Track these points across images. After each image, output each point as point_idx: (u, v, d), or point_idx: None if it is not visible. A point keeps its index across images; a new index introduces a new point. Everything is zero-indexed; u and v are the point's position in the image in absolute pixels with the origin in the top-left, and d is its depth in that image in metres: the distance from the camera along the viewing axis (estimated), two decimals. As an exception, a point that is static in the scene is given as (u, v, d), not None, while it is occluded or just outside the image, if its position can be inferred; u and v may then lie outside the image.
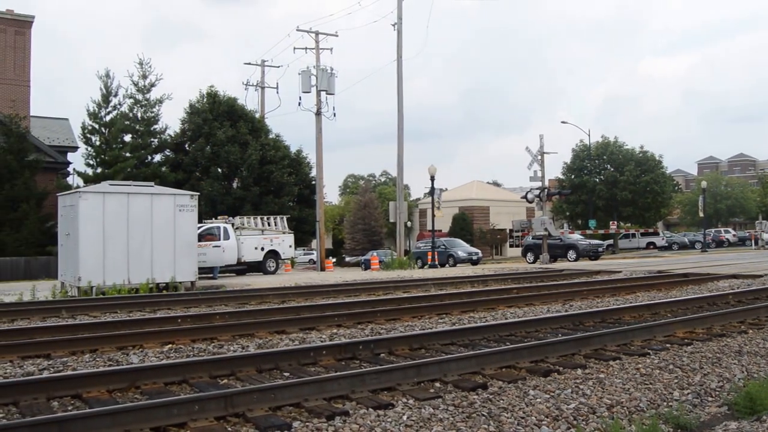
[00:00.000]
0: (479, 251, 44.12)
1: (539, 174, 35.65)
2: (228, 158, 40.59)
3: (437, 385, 6.45)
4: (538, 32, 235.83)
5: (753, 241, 51.91)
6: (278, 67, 47.68)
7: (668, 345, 8.35)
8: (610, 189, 58.34)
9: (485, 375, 6.81)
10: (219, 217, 31.19)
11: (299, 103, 36.69)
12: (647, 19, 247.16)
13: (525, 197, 36.69)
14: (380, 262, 35.23)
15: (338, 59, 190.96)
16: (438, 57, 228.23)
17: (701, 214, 52.50)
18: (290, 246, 31.58)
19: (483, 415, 5.44)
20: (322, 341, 9.18)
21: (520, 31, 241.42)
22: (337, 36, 40.02)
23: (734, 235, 63.68)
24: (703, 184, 56.60)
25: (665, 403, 5.99)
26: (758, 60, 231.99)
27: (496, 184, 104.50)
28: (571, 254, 38.04)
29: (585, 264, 31.66)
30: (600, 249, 40.01)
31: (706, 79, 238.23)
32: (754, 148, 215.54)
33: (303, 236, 45.17)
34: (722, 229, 67.54)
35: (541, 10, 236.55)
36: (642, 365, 7.17)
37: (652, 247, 58.73)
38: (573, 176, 60.27)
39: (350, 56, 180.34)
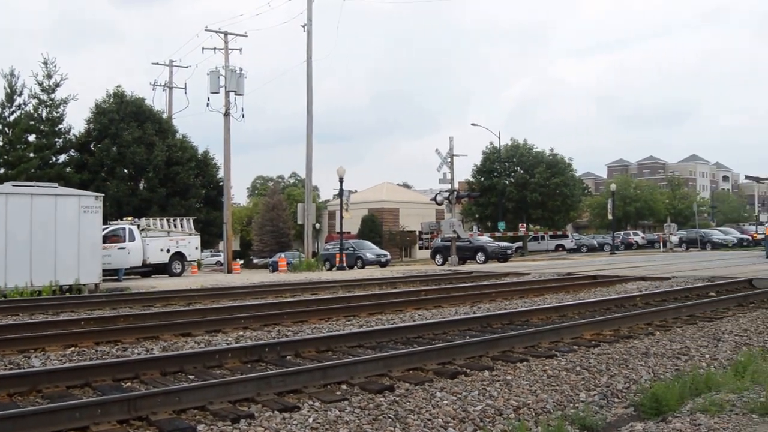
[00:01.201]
0: (388, 253, 44.63)
1: (448, 176, 36.36)
2: (134, 159, 40.98)
3: (344, 387, 6.55)
4: (450, 35, 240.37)
5: (661, 244, 54.34)
6: (187, 67, 47.87)
7: (575, 347, 8.67)
8: (519, 191, 59.94)
9: (392, 377, 6.92)
10: (124, 219, 31.41)
11: (208, 104, 36.72)
12: (559, 23, 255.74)
13: (434, 199, 37.22)
14: (288, 264, 35.49)
15: (248, 60, 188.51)
16: (349, 59, 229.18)
17: (610, 217, 54.66)
18: (196, 248, 32.25)
19: (389, 417, 5.52)
20: (228, 344, 9.25)
21: (433, 34, 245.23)
22: (246, 36, 39.55)
23: (643, 238, 66.50)
24: (612, 186, 58.97)
25: (572, 405, 6.23)
26: (668, 65, 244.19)
27: (406, 186, 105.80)
28: (480, 256, 38.90)
29: (494, 266, 32.38)
30: (509, 251, 41.13)
31: (617, 83, 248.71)
32: (663, 151, 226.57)
33: (210, 238, 45.75)
34: (631, 232, 70.42)
35: (454, 13, 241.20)
36: (549, 367, 7.42)
37: (561, 249, 60.69)
38: (483, 178, 61.57)
39: (260, 57, 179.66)
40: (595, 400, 6.41)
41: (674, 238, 54.27)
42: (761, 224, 35.43)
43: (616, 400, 6.53)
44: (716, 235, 58.98)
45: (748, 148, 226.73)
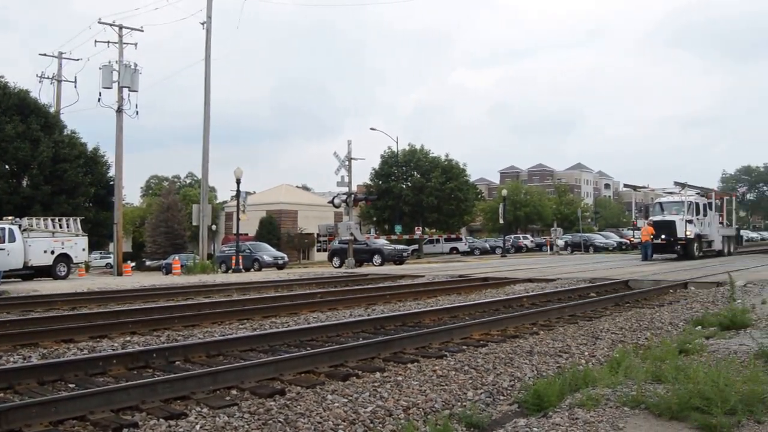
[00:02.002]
0: (285, 255, 44.31)
1: (346, 179, 36.43)
2: (17, 155, 38.76)
3: (234, 392, 6.42)
4: (352, 39, 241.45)
5: (549, 247, 56.22)
6: (78, 60, 45.80)
7: (465, 347, 8.84)
8: (416, 195, 60.68)
9: (284, 381, 6.85)
10: (4, 218, 29.82)
11: (99, 100, 35.44)
12: (459, 32, 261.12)
13: (332, 202, 37.25)
14: (182, 266, 34.63)
15: (144, 56, 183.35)
16: (250, 58, 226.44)
17: (501, 221, 56.07)
18: (84, 249, 31.30)
19: (279, 422, 5.46)
20: (113, 350, 8.92)
21: (336, 37, 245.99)
22: (142, 31, 38.26)
23: (532, 241, 68.52)
24: (504, 192, 60.63)
25: (459, 403, 6.32)
26: (558, 77, 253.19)
27: (305, 188, 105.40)
28: (377, 259, 39.21)
29: (390, 268, 32.62)
30: (405, 254, 41.62)
31: (510, 93, 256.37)
32: (552, 159, 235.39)
33: (100, 239, 44.61)
34: (521, 235, 72.40)
35: (357, 18, 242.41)
36: (439, 367, 7.53)
37: (455, 252, 61.86)
38: (381, 182, 62.01)
39: (157, 54, 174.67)
40: (482, 399, 6.53)
41: (560, 242, 56.25)
42: (637, 229, 37.09)
43: (502, 397, 6.67)
44: (598, 239, 61.60)
45: (628, 158, 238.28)
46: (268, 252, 42.86)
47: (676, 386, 5.57)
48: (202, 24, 34.92)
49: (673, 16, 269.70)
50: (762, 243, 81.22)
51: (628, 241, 57.85)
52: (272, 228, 64.28)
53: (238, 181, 34.56)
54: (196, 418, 5.53)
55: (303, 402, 6.04)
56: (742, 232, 56.50)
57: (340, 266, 37.92)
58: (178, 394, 6.13)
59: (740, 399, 5.18)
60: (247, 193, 38.57)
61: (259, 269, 39.04)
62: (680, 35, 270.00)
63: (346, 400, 6.14)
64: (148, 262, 61.85)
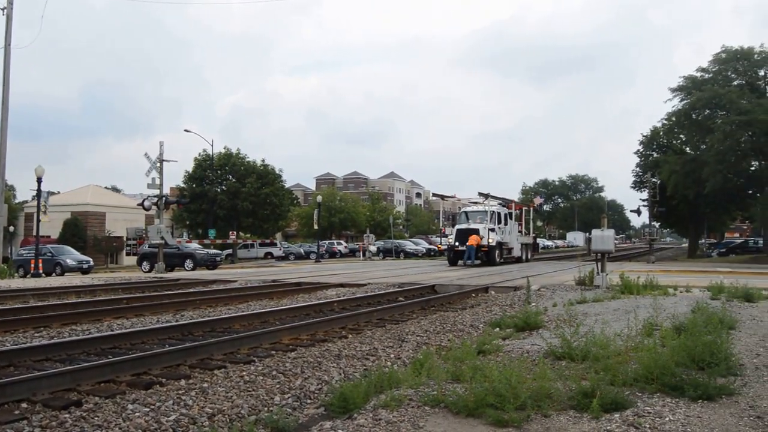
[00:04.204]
0: (90, 259, 41.86)
1: (158, 181, 35.09)
2: None
3: (24, 405, 5.99)
4: (171, 38, 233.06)
5: (362, 253, 57.26)
6: None
7: (274, 352, 8.79)
8: (231, 199, 59.61)
9: (81, 391, 6.47)
10: None
11: None
12: (279, 38, 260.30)
13: (142, 204, 35.76)
14: (-25, 271, 31.44)
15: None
16: (56, 52, 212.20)
17: (316, 226, 56.49)
18: None
19: (73, 435, 5.13)
20: None
21: (153, 33, 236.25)
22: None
23: (346, 247, 69.59)
24: (319, 198, 61.18)
25: (266, 408, 6.27)
26: (374, 88, 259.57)
27: (115, 189, 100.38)
28: (189, 263, 38.16)
29: (202, 273, 31.89)
30: (218, 258, 40.79)
31: (328, 101, 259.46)
32: (366, 167, 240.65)
33: None
34: (335, 241, 73.31)
35: (176, 16, 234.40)
36: (246, 372, 7.42)
37: (270, 257, 61.47)
38: (195, 185, 60.33)
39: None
40: (289, 403, 6.52)
41: (373, 248, 57.52)
42: (444, 236, 38.84)
43: (309, 401, 6.68)
44: (409, 245, 63.75)
45: (438, 169, 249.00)
46: (71, 255, 40.32)
47: (474, 385, 5.85)
48: (2, 10, 32.27)
49: (480, 38, 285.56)
50: (556, 250, 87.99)
51: (436, 248, 60.35)
52: (78, 230, 60.46)
53: (39, 180, 32.32)
54: (-24, 436, 5.08)
55: (101, 413, 5.73)
56: (538, 240, 60.81)
57: (149, 271, 36.44)
58: (-47, 411, 5.60)
59: (530, 395, 5.54)
60: (50, 193, 36.08)
61: (62, 274, 36.63)
62: (485, 57, 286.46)
63: (148, 410, 5.90)
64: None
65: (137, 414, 5.74)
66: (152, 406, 6.00)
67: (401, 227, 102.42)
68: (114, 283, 22.92)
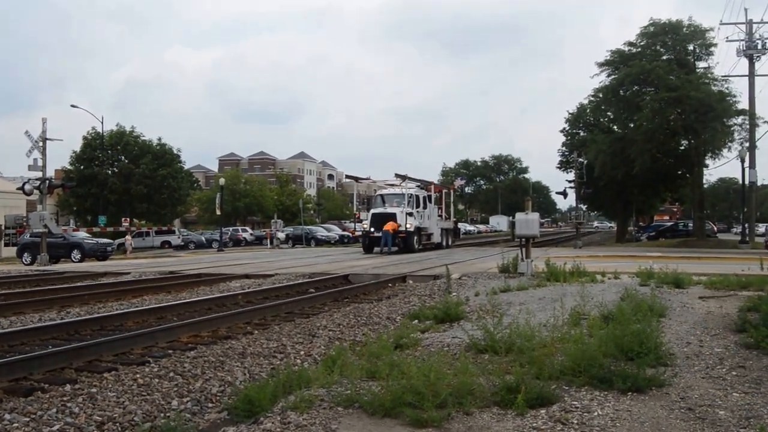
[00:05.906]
0: (-40, 251, 40.09)
1: (40, 163, 33.75)
2: None
3: None
4: (56, 8, 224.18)
5: (269, 240, 56.76)
6: None
7: (171, 351, 8.61)
8: (124, 183, 58.13)
9: (-55, 403, 6.14)
10: None
11: None
12: (180, 6, 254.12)
13: (22, 188, 34.38)
14: None
15: None
16: None
17: (219, 212, 55.55)
18: None
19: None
20: None
21: (37, 5, 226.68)
22: None
23: (252, 234, 68.80)
24: (222, 181, 60.08)
25: (162, 414, 6.14)
26: (281, 60, 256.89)
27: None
28: (76, 254, 37.10)
29: (91, 265, 31.01)
30: (109, 248, 39.76)
31: (231, 77, 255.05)
32: (274, 147, 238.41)
33: None
34: (240, 228, 72.44)
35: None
36: (140, 375, 7.24)
37: (167, 246, 60.15)
38: (83, 167, 58.54)
39: None
40: (188, 407, 6.40)
41: (281, 235, 57.04)
42: (359, 222, 38.91)
43: (210, 405, 6.58)
44: (320, 232, 63.55)
45: (351, 147, 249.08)
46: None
47: (390, 383, 5.86)
48: None
49: (393, 7, 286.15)
50: (479, 236, 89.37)
51: (350, 234, 60.41)
52: (-55, 218, 57.88)
53: None
54: None
55: (-29, 426, 5.46)
56: (460, 225, 61.61)
57: (31, 263, 35.20)
58: None
59: (451, 392, 5.59)
60: None
61: (-74, 268, 34.94)
62: (400, 28, 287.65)
63: (27, 419, 5.71)
64: None
65: (15, 425, 5.54)
66: (33, 416, 5.80)
67: (312, 212, 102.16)
68: (-11, 277, 21.98)
